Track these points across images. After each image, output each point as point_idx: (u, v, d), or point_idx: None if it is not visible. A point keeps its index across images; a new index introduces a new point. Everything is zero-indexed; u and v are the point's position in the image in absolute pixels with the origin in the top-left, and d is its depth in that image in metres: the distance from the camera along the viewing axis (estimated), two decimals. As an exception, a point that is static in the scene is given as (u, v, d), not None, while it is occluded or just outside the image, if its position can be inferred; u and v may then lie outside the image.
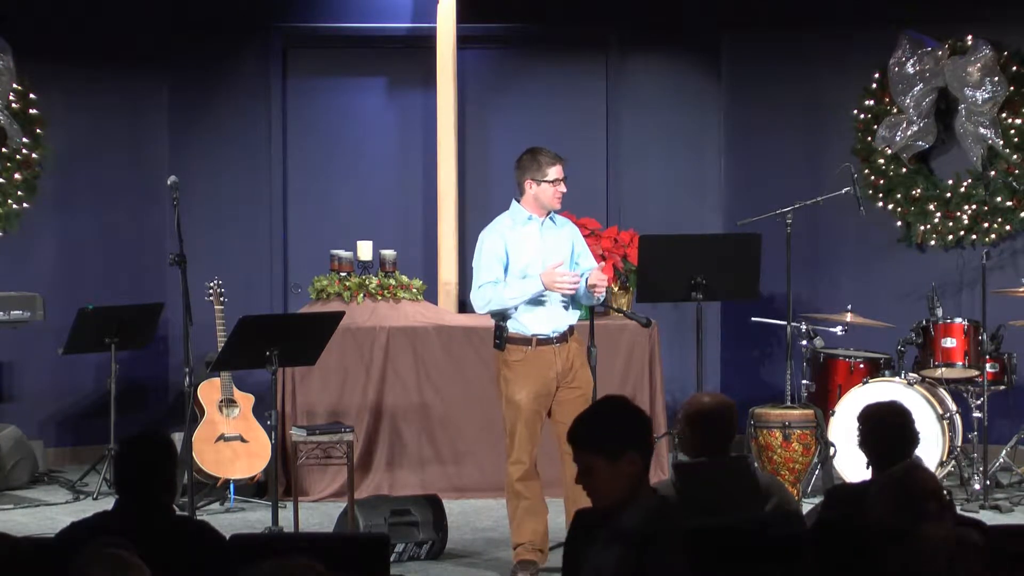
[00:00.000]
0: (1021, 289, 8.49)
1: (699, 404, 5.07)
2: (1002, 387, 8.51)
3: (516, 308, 6.46)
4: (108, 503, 4.32)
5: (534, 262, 6.51)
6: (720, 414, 5.03)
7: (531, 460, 6.50)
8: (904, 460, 4.85)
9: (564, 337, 6.53)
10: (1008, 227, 9.32)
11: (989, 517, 7.43)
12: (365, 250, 8.69)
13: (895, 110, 9.45)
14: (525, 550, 6.51)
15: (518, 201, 6.60)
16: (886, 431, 4.93)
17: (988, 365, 8.27)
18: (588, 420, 3.82)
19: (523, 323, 6.48)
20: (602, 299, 6.68)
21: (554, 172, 6.52)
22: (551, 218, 6.64)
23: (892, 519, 3.83)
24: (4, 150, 9.21)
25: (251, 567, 3.09)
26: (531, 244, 6.54)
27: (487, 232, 6.62)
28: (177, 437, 8.12)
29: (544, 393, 6.48)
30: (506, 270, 6.52)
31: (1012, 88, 9.18)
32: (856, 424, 5.07)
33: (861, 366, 8.54)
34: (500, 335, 6.49)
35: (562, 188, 6.54)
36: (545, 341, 6.48)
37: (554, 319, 6.51)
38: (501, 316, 6.51)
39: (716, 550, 3.98)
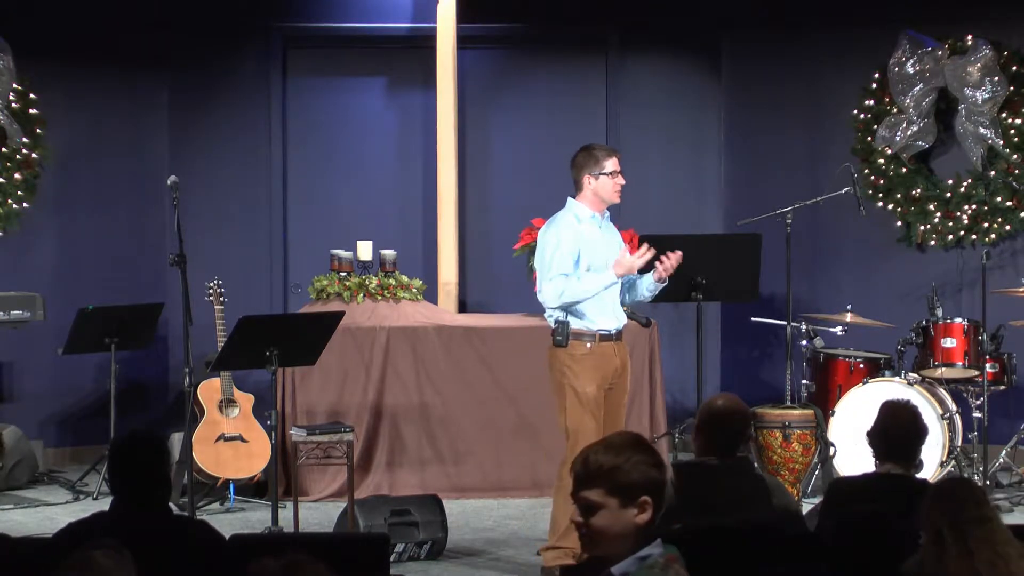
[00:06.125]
0: (1021, 289, 8.49)
1: (711, 406, 5.11)
2: (1002, 387, 8.51)
3: (582, 304, 6.47)
4: (108, 503, 4.32)
5: (599, 258, 6.49)
6: (730, 417, 5.05)
7: None
8: (907, 458, 4.95)
9: (620, 335, 6.57)
10: (1008, 227, 9.31)
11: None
12: (365, 250, 8.68)
13: (895, 110, 9.44)
14: (566, 555, 6.38)
15: (574, 198, 6.57)
16: (893, 427, 5.01)
17: (988, 365, 8.27)
18: (602, 453, 3.23)
19: (591, 318, 6.46)
20: (657, 289, 6.68)
21: (611, 164, 6.52)
22: (605, 216, 6.65)
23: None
24: (4, 150, 9.21)
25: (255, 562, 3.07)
26: (599, 241, 6.55)
27: (557, 227, 6.52)
28: (177, 437, 8.14)
29: (605, 387, 6.49)
30: (576, 265, 6.48)
31: (1012, 88, 9.17)
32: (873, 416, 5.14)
33: (861, 366, 8.54)
34: (563, 331, 6.44)
35: (620, 180, 6.54)
36: (607, 337, 6.49)
37: (617, 316, 6.54)
38: (564, 312, 6.48)
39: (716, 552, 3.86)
